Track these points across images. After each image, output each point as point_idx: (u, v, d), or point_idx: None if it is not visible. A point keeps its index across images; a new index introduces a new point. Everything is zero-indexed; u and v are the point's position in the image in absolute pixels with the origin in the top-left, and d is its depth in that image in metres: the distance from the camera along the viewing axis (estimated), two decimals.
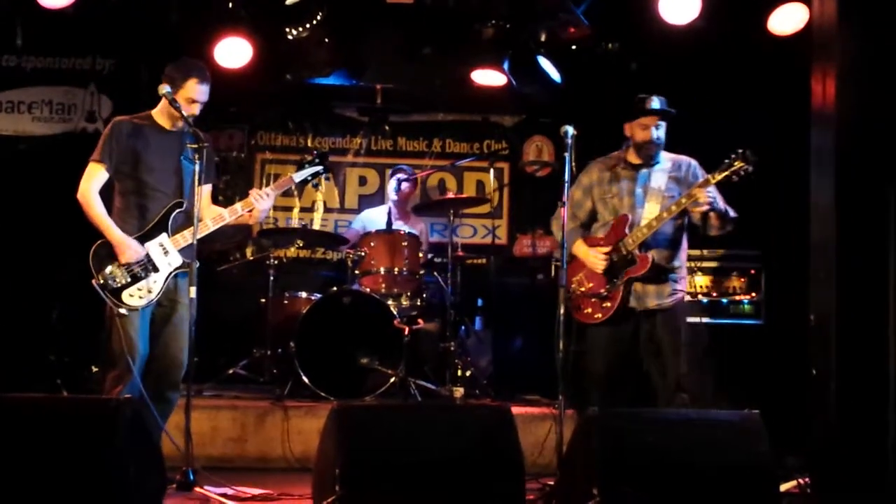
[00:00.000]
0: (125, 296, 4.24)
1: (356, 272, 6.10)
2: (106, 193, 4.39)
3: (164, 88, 4.31)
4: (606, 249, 4.58)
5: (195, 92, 4.35)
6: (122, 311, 4.22)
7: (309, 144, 7.61)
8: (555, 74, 6.42)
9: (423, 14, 6.36)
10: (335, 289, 5.96)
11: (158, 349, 4.36)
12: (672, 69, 6.60)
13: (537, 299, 6.52)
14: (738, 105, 6.45)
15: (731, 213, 4.54)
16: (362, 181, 7.79)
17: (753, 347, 5.80)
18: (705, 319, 5.88)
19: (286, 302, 6.14)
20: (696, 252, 5.95)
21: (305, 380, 5.58)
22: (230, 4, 6.12)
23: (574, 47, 6.39)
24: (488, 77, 6.67)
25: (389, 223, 6.16)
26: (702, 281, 5.95)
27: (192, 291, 4.18)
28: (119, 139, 4.37)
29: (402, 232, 6.19)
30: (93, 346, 5.80)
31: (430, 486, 3.39)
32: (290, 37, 6.14)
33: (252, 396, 5.71)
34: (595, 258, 4.62)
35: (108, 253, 4.26)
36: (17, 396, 3.46)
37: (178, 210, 4.39)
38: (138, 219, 4.36)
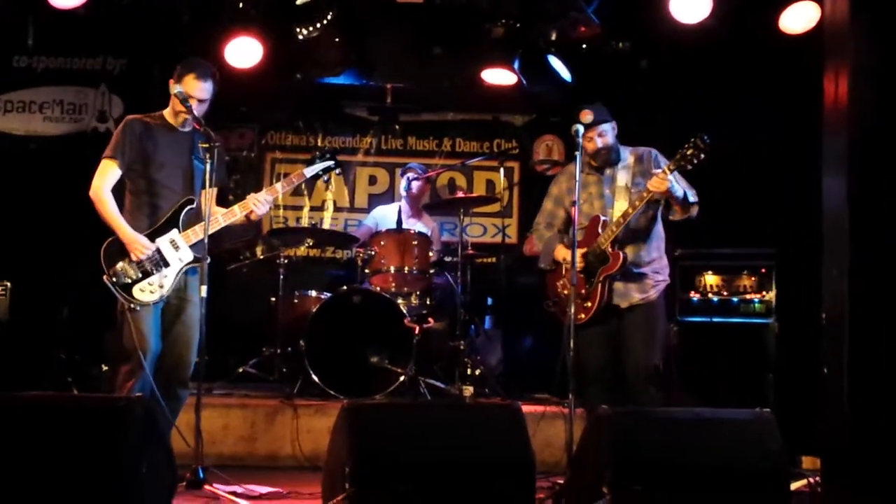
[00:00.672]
0: (136, 291, 4.26)
1: (366, 271, 6.10)
2: (117, 192, 4.40)
3: (175, 88, 4.33)
4: (583, 251, 4.63)
5: (193, 88, 4.35)
6: (134, 306, 4.23)
7: (319, 144, 7.62)
8: (565, 73, 6.41)
9: (434, 13, 6.38)
10: (345, 288, 5.95)
11: (167, 346, 4.37)
12: (682, 68, 6.60)
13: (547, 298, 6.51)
14: (749, 104, 6.43)
15: (692, 198, 4.60)
16: (372, 180, 7.79)
17: (764, 346, 5.79)
18: (716, 319, 5.88)
19: (296, 301, 6.14)
20: (707, 250, 5.94)
21: (315, 378, 5.59)
22: (241, 4, 6.13)
23: (584, 46, 6.37)
24: (498, 76, 6.67)
25: (399, 221, 6.17)
26: (712, 280, 5.93)
27: (203, 290, 4.20)
28: (132, 138, 4.39)
29: (412, 231, 6.19)
30: (102, 344, 5.84)
31: (440, 485, 3.39)
32: (300, 36, 6.14)
33: (262, 395, 5.72)
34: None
35: (119, 250, 4.28)
36: (31, 395, 3.47)
37: (189, 206, 4.41)
38: (149, 217, 4.37)
